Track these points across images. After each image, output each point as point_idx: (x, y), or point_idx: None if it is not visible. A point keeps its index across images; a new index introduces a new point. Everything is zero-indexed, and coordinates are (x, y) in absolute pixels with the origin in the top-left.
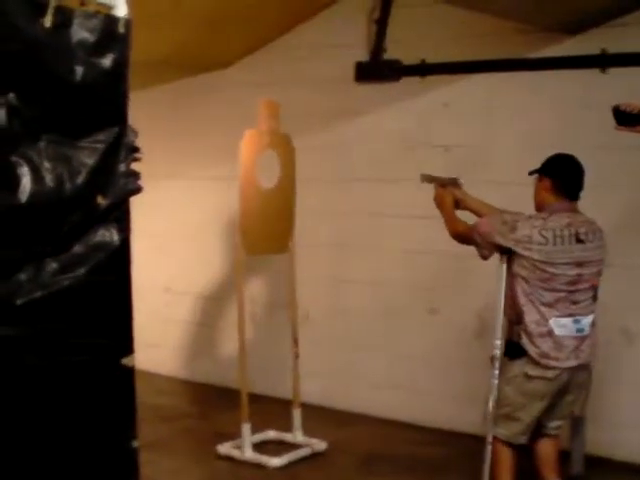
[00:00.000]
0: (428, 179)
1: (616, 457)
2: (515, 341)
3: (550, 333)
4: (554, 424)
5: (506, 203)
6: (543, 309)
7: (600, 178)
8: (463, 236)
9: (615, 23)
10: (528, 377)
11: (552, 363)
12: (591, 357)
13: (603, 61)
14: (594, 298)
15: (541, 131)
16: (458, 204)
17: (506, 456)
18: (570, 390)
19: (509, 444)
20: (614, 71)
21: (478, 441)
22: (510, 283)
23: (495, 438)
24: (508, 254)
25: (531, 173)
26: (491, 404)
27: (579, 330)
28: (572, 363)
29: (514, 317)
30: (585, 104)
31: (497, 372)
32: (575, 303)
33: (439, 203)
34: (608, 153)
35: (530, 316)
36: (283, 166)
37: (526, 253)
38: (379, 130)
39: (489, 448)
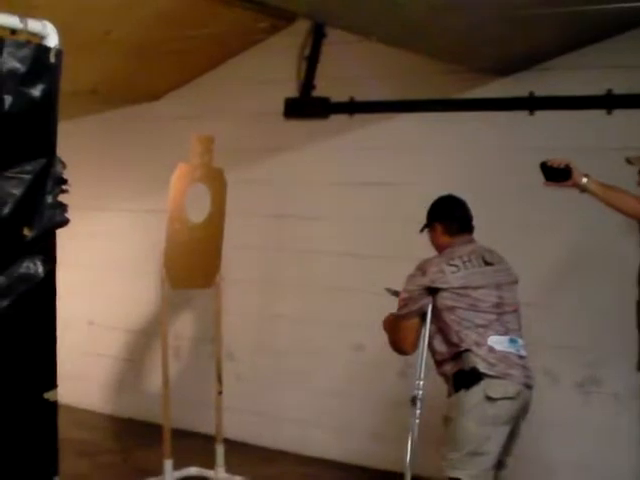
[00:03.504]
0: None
1: None
2: (468, 369)
3: (492, 349)
4: (508, 459)
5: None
6: (479, 330)
7: (526, 218)
8: (395, 327)
9: (542, 67)
10: (491, 400)
11: (509, 378)
12: (534, 381)
13: (531, 103)
14: (520, 323)
15: (469, 171)
16: None
17: None
18: (525, 413)
19: None
20: (541, 113)
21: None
22: (437, 324)
23: None
24: (432, 294)
25: (422, 230)
26: (410, 445)
27: (518, 350)
28: (527, 381)
29: (448, 354)
30: (513, 145)
31: (418, 412)
32: (506, 325)
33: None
34: (535, 193)
35: (470, 338)
36: (213, 200)
37: (445, 285)
38: (307, 167)
39: None
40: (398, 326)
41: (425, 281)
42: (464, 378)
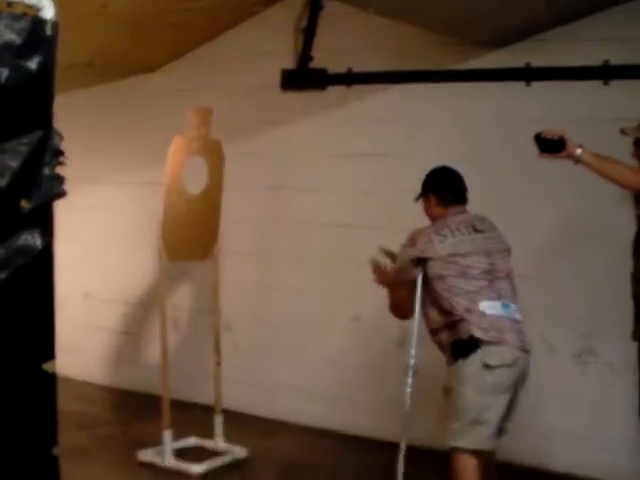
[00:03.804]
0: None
1: (543, 467)
2: (465, 338)
3: (483, 314)
4: (508, 425)
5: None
6: (470, 296)
7: (521, 190)
8: (392, 294)
9: (539, 37)
10: (489, 368)
11: (504, 343)
12: (531, 346)
13: (527, 74)
14: (514, 289)
15: (465, 142)
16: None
17: (473, 468)
18: (523, 380)
19: (475, 453)
20: (537, 84)
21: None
22: (431, 294)
23: (456, 451)
24: (422, 264)
25: (417, 199)
26: (404, 414)
27: (511, 314)
28: (522, 345)
29: (443, 323)
30: (509, 116)
31: (411, 380)
32: (498, 291)
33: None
34: (530, 164)
35: (460, 305)
36: (211, 173)
37: (434, 255)
38: (304, 139)
39: (402, 457)
40: (394, 294)
41: (415, 252)
42: (462, 347)
